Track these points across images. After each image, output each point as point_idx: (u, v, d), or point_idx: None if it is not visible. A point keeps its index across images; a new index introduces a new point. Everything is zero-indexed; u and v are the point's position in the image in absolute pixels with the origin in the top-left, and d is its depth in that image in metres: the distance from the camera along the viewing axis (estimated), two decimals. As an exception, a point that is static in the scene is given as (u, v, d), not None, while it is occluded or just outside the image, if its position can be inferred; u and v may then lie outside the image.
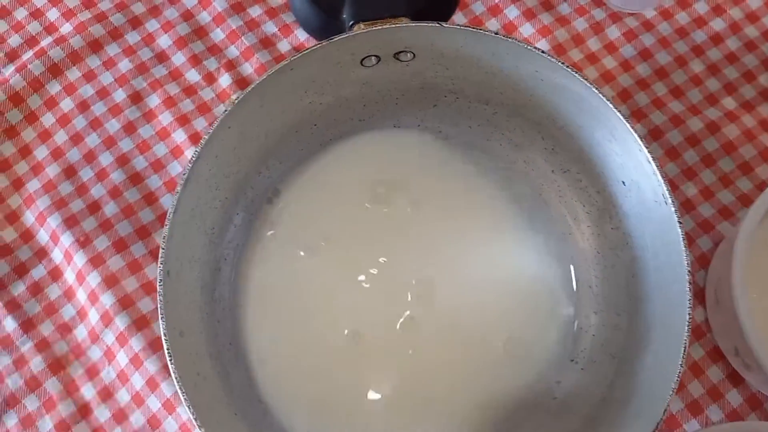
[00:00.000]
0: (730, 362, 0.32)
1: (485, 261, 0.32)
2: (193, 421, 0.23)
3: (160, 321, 0.23)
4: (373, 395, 0.31)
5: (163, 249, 0.24)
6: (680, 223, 0.24)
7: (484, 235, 0.33)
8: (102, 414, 0.32)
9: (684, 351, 0.24)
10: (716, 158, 0.35)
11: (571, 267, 0.32)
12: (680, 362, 0.24)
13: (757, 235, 0.30)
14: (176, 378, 0.23)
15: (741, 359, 0.31)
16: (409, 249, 0.32)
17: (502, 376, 0.31)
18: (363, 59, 0.29)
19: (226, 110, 0.26)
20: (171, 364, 0.23)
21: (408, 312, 0.31)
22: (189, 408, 0.23)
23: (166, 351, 0.23)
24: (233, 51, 0.37)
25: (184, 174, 0.25)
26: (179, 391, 0.23)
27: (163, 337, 0.23)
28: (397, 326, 0.31)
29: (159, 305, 0.24)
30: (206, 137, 0.25)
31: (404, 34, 0.27)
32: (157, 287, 0.24)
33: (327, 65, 0.28)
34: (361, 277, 0.32)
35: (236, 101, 0.25)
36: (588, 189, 0.32)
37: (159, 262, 0.24)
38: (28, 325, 0.33)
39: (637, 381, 0.27)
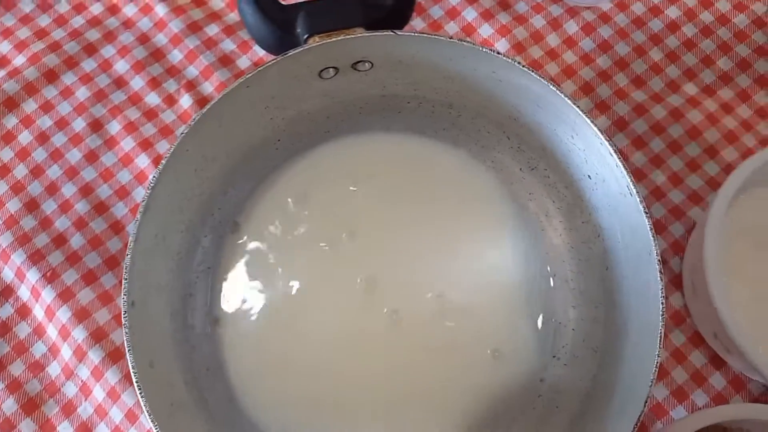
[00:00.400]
0: (711, 346, 0.32)
1: (463, 262, 0.32)
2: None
3: (127, 353, 0.23)
4: (359, 405, 0.31)
5: (125, 279, 0.23)
6: (646, 213, 0.24)
7: (460, 237, 0.32)
8: (81, 452, 0.31)
9: (660, 341, 0.23)
10: (682, 144, 0.36)
11: (547, 263, 0.32)
12: (657, 352, 0.23)
13: (727, 219, 0.30)
14: (147, 411, 0.22)
15: (720, 343, 0.31)
16: (386, 252, 0.32)
17: (486, 376, 0.31)
18: (321, 71, 0.28)
19: (182, 133, 0.25)
20: (141, 397, 0.22)
21: (392, 314, 0.31)
22: (162, 440, 0.22)
23: (135, 384, 0.23)
24: (192, 71, 0.36)
25: (143, 201, 0.24)
26: (151, 424, 0.22)
27: (131, 370, 0.23)
28: (382, 329, 0.31)
29: (125, 337, 0.23)
30: (164, 162, 0.24)
31: (359, 44, 0.27)
32: (122, 319, 0.23)
33: (285, 80, 0.28)
34: (342, 284, 0.31)
35: (192, 123, 0.25)
36: (556, 185, 0.32)
37: (122, 293, 0.23)
38: (-3, 367, 0.32)
39: (619, 373, 0.27)
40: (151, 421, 0.22)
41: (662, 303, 0.24)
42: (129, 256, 0.24)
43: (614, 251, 0.29)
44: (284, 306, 0.31)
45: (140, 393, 0.22)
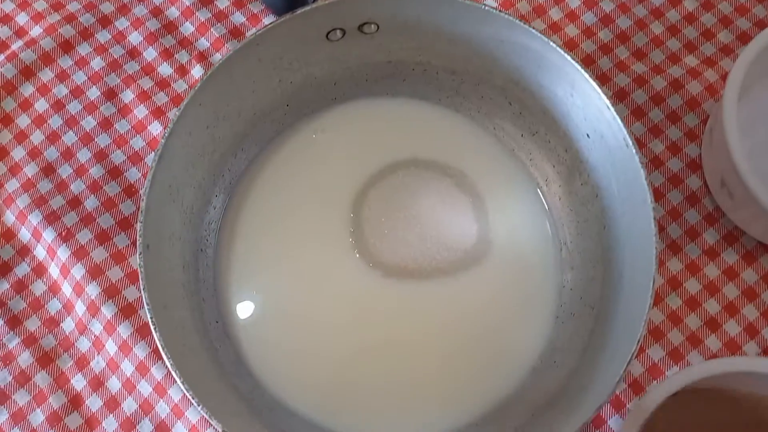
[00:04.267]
0: (715, 199, 0.34)
1: (464, 229, 0.33)
2: (182, 386, 0.23)
3: (143, 292, 0.24)
4: (361, 371, 0.31)
5: (140, 222, 0.24)
6: (641, 162, 0.25)
7: (463, 204, 0.33)
8: (94, 403, 0.32)
9: (653, 286, 0.24)
10: (681, 115, 0.36)
11: (548, 228, 0.33)
12: (649, 301, 0.24)
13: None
14: (161, 346, 0.23)
15: (727, 189, 0.32)
16: (390, 219, 0.33)
17: (489, 339, 0.32)
18: (328, 33, 0.30)
19: (196, 87, 0.26)
20: (155, 332, 0.23)
21: (397, 287, 0.32)
22: (176, 372, 0.23)
23: (149, 320, 0.23)
24: (203, 43, 0.38)
25: (157, 150, 0.25)
26: (165, 357, 0.23)
27: (146, 307, 0.24)
28: (388, 303, 0.32)
29: (140, 276, 0.24)
30: (178, 113, 0.25)
31: (365, 4, 0.28)
32: (138, 260, 0.24)
33: (293, 40, 0.29)
34: (349, 253, 0.32)
35: (205, 78, 0.26)
36: (557, 148, 0.32)
37: (138, 235, 0.24)
38: (14, 322, 0.33)
39: (613, 326, 0.28)
40: (165, 355, 0.23)
41: (655, 245, 0.24)
42: (143, 201, 0.25)
43: (611, 209, 0.29)
44: (287, 270, 0.32)
45: (154, 329, 0.23)
